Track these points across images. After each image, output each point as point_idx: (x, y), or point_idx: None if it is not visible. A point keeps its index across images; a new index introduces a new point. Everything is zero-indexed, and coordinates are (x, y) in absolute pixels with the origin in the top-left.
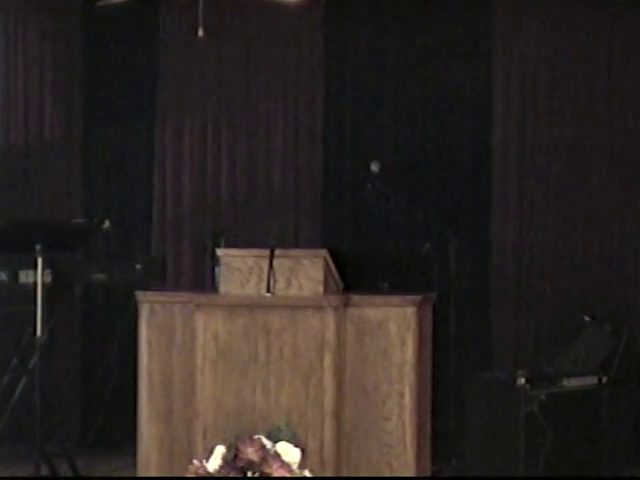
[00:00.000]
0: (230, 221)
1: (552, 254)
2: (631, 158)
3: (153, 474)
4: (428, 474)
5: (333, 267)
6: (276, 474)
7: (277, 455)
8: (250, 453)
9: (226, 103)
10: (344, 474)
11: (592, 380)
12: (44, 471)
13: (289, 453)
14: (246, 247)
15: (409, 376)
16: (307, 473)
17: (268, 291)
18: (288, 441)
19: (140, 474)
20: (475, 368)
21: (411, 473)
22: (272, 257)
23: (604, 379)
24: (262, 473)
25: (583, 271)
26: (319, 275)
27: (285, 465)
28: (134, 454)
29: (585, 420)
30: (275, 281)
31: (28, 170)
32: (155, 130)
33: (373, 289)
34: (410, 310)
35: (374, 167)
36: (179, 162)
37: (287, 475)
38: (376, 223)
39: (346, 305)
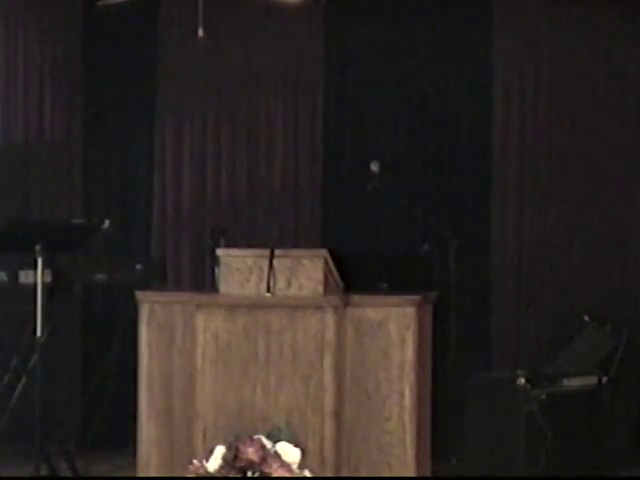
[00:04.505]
0: (230, 221)
1: (552, 254)
2: (631, 158)
3: (153, 474)
4: (428, 474)
5: (333, 267)
6: (276, 474)
7: (277, 455)
8: (250, 453)
9: (226, 103)
10: (344, 474)
11: (592, 380)
12: (44, 471)
13: (289, 453)
14: (246, 247)
15: (409, 376)
16: (307, 473)
17: (268, 291)
18: (288, 441)
19: (140, 474)
20: (475, 368)
21: (411, 473)
22: (272, 257)
23: (604, 379)
24: (262, 473)
25: (583, 271)
26: (319, 275)
27: (285, 465)
28: (134, 454)
29: (585, 420)
30: (275, 281)
31: (28, 170)
32: (155, 130)
33: (373, 289)
34: (410, 310)
35: (374, 167)
36: (179, 162)
37: (287, 475)
38: (376, 223)
39: (346, 305)
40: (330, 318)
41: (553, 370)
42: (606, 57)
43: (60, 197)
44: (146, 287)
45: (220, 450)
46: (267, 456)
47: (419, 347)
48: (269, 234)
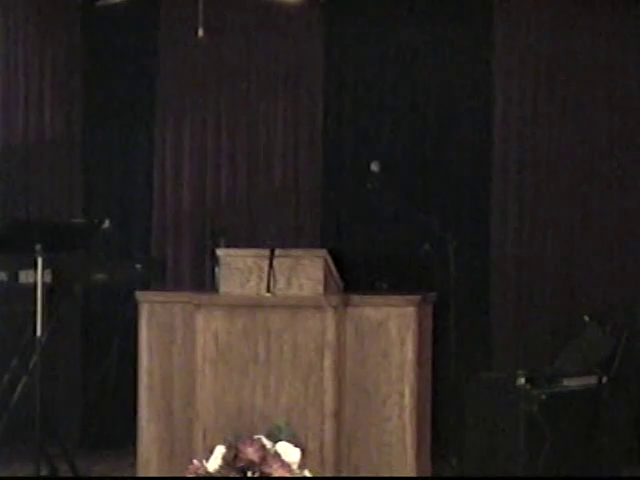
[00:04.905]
0: (230, 221)
1: (552, 254)
2: (631, 158)
3: (153, 474)
4: (428, 474)
5: (333, 267)
6: (276, 474)
7: (277, 455)
8: (250, 453)
9: (226, 103)
10: (344, 474)
11: (592, 380)
12: (44, 471)
13: (289, 453)
14: (246, 247)
15: (409, 376)
16: (307, 473)
17: (268, 291)
18: (288, 441)
19: (140, 474)
20: (475, 368)
21: (411, 473)
22: (272, 257)
23: (604, 379)
24: (262, 473)
25: (583, 271)
26: (319, 275)
27: (285, 465)
28: (134, 454)
29: (585, 420)
30: (275, 281)
31: (28, 170)
32: (155, 130)
33: (373, 289)
34: (410, 310)
35: (374, 167)
36: (179, 162)
37: (287, 475)
38: (376, 223)
39: (346, 305)
40: (330, 318)
41: (553, 370)
42: (606, 57)
43: (60, 197)
44: (146, 287)
45: (220, 450)
46: (267, 456)
47: (419, 347)
48: (269, 234)
